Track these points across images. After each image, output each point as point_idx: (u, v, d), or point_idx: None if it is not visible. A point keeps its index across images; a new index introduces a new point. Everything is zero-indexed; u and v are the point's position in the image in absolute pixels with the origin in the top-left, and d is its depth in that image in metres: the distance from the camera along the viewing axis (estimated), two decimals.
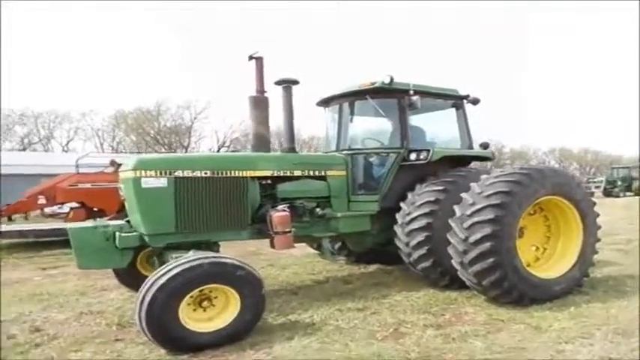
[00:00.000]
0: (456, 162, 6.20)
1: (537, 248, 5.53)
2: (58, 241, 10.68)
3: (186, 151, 43.93)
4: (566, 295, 5.11)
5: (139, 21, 67.40)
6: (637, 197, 27.56)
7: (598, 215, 5.50)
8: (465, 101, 6.54)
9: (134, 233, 4.64)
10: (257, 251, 9.11)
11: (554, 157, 71.65)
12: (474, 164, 6.65)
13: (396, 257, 7.21)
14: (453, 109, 6.55)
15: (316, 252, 7.93)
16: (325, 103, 6.62)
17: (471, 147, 6.52)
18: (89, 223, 4.87)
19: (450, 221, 5.08)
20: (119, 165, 16.61)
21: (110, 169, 16.75)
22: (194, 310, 4.04)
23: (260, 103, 5.46)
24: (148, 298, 3.72)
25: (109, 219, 13.63)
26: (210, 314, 4.14)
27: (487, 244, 4.66)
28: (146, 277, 5.71)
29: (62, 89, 66.71)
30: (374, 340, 4.11)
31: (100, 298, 5.74)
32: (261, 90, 5.46)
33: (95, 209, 15.32)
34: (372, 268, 7.17)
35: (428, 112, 6.47)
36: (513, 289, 4.74)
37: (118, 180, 16.50)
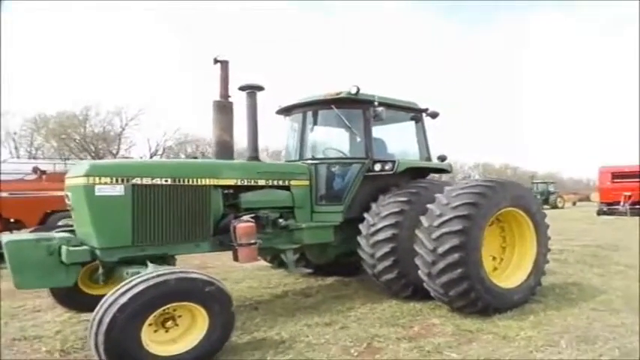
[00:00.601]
0: (416, 173, 6.29)
1: (494, 258, 5.70)
2: None
3: (115, 159, 41.39)
4: (523, 303, 5.30)
5: (63, 20, 62.85)
6: (553, 210, 30.06)
7: (548, 226, 5.80)
8: (424, 114, 6.68)
9: (83, 247, 4.13)
10: (203, 264, 8.64)
11: (479, 171, 76.43)
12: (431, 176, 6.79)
13: (354, 268, 7.22)
14: (412, 122, 6.66)
15: (269, 264, 7.69)
16: (286, 111, 6.46)
17: (429, 159, 6.65)
18: (29, 235, 4.28)
19: (417, 232, 5.10)
20: (43, 172, 15.25)
21: (32, 177, 15.30)
22: (155, 331, 3.67)
23: (224, 109, 5.18)
24: (106, 320, 3.30)
25: (32, 231, 12.40)
26: (174, 335, 3.78)
27: (455, 255, 4.71)
28: (88, 295, 5.30)
29: None
30: (350, 356, 3.98)
31: (34, 321, 5.06)
32: (225, 95, 5.19)
33: (12, 220, 13.86)
34: (330, 279, 7.04)
35: (388, 124, 6.52)
36: (479, 299, 4.82)
37: (40, 188, 14.93)
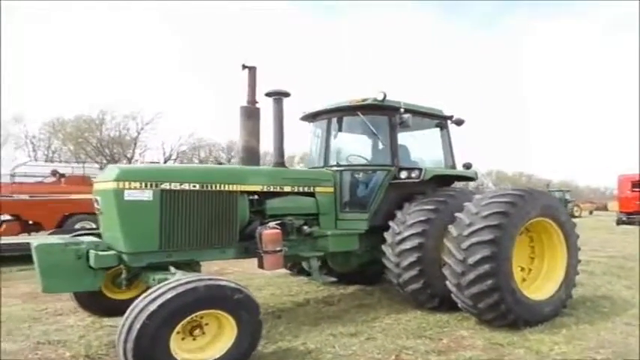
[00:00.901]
0: (440, 181, 6.18)
1: (523, 269, 5.55)
2: None
3: (130, 163, 41.82)
4: (554, 316, 5.15)
5: (80, 27, 63.87)
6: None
7: (578, 237, 5.64)
8: (449, 121, 6.58)
9: (111, 252, 4.10)
10: (222, 270, 8.61)
11: (492, 179, 75.68)
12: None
13: (376, 277, 7.12)
14: (437, 129, 6.56)
15: (288, 272, 7.63)
16: (311, 117, 6.41)
17: (454, 166, 6.54)
18: (57, 239, 4.26)
19: (445, 241, 4.99)
20: (62, 175, 15.45)
21: (51, 180, 15.50)
22: (182, 339, 3.61)
23: (251, 114, 5.16)
24: (136, 327, 3.25)
25: (50, 234, 12.52)
26: (201, 343, 3.71)
27: (486, 266, 4.59)
28: (110, 300, 5.27)
29: None
30: None
31: (57, 325, 5.05)
32: (252, 100, 5.17)
33: (31, 222, 14.04)
34: (352, 288, 6.93)
35: (412, 130, 6.42)
36: (510, 312, 4.69)
37: (59, 191, 15.11)
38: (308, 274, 7.27)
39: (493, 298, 4.62)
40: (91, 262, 4.01)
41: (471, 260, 4.65)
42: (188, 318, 3.49)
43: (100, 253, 4.02)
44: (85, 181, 16.01)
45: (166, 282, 3.56)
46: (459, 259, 4.74)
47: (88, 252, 4.09)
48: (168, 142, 44.65)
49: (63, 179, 15.07)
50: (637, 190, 21.51)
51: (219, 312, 3.63)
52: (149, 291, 3.50)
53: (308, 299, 6.28)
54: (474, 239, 4.69)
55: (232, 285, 3.69)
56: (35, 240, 4.25)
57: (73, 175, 16.49)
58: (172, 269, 4.69)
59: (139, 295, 5.35)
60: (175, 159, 44.47)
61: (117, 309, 5.30)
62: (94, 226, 14.43)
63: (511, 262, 4.78)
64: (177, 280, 3.54)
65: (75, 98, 65.62)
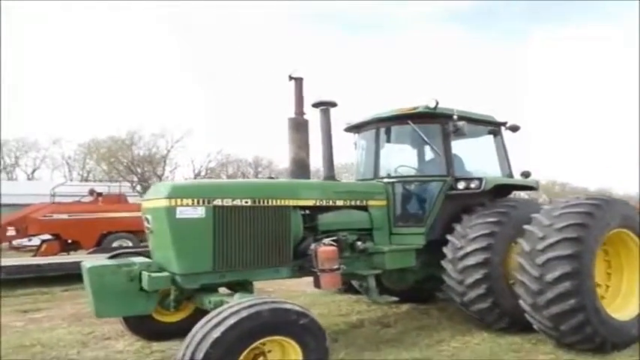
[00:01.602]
0: (497, 191, 5.76)
1: (599, 285, 5.06)
2: (30, 277, 9.48)
3: (160, 180, 42.49)
4: None
5: (109, 50, 65.98)
6: None
7: None
8: (502, 128, 6.19)
9: (164, 273, 3.88)
10: (262, 289, 8.33)
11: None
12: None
13: (430, 295, 6.73)
14: (490, 136, 6.17)
15: (333, 290, 7.29)
16: (357, 128, 6.14)
17: (511, 175, 6.13)
18: (110, 261, 4.08)
19: (517, 257, 4.58)
20: (99, 194, 15.61)
21: (89, 199, 15.68)
22: None
23: (300, 126, 4.95)
24: (199, 357, 2.98)
25: (91, 252, 12.53)
26: None
27: (567, 284, 4.16)
28: (158, 323, 5.05)
29: (30, 116, 64.05)
30: None
31: (106, 350, 4.86)
32: (300, 112, 4.97)
33: (70, 241, 14.20)
34: (405, 307, 6.53)
35: (465, 138, 6.05)
36: (596, 334, 4.23)
37: (96, 210, 15.18)
38: (356, 291, 6.95)
39: (577, 318, 4.17)
40: (144, 284, 3.80)
41: (549, 277, 4.23)
42: (253, 345, 3.21)
43: (153, 274, 3.80)
44: (121, 200, 16.17)
45: (227, 306, 3.29)
46: (535, 276, 4.32)
47: (140, 273, 3.88)
48: (197, 160, 45.25)
49: (100, 198, 15.22)
50: None
51: (284, 338, 3.33)
52: (209, 316, 3.24)
53: (362, 320, 5.92)
54: (550, 254, 4.27)
55: (298, 308, 3.39)
56: (87, 261, 4.07)
57: (110, 194, 16.66)
58: (226, 290, 4.49)
59: (188, 318, 5.25)
60: (204, 176, 44.93)
61: (165, 332, 5.12)
62: (130, 244, 14.54)
63: (594, 279, 4.34)
64: (238, 304, 3.27)
65: (105, 119, 67.53)
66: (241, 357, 3.14)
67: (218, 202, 4.01)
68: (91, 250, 13.07)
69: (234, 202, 4.10)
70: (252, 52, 72.08)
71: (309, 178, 5.05)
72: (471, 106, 5.61)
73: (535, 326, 4.56)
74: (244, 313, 3.15)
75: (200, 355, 2.99)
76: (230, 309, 3.22)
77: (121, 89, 64.65)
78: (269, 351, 3.41)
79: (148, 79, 67.50)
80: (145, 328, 5.01)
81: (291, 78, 4.94)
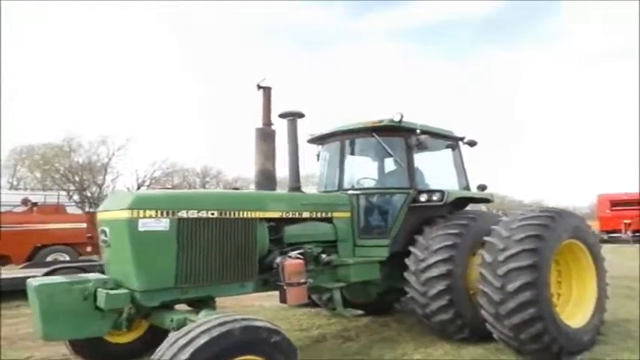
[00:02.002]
0: (456, 203, 5.92)
1: (552, 295, 5.30)
2: None
3: (100, 190, 40.24)
4: (593, 344, 4.89)
5: (49, 56, 62.06)
6: None
7: (604, 259, 5.45)
8: (460, 142, 6.40)
9: (123, 290, 3.59)
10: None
11: None
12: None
13: (389, 307, 6.77)
14: (449, 150, 6.36)
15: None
16: (321, 139, 6.11)
17: (468, 188, 6.32)
18: (61, 278, 3.72)
19: (479, 268, 4.69)
20: (34, 204, 14.47)
21: (22, 209, 14.49)
22: None
23: (266, 136, 4.83)
24: None
25: (24, 267, 11.53)
26: None
27: (527, 293, 4.31)
28: (109, 344, 4.67)
29: None
30: None
31: None
32: (267, 122, 4.85)
33: None
34: (364, 320, 6.50)
35: (424, 152, 6.19)
36: (553, 342, 4.40)
37: (30, 221, 13.99)
38: (315, 304, 6.85)
39: (536, 327, 4.32)
40: (101, 303, 3.49)
41: (510, 287, 4.36)
42: None
43: (111, 292, 3.50)
44: (59, 210, 15.10)
45: (195, 324, 3.09)
46: (497, 287, 4.44)
47: (95, 291, 3.57)
48: (141, 168, 43.36)
49: (35, 208, 14.10)
50: (616, 209, 22.06)
51: (256, 358, 3.17)
52: (175, 335, 3.02)
53: (324, 334, 5.82)
54: (511, 265, 4.42)
55: (269, 325, 3.25)
56: (34, 279, 3.69)
57: (46, 203, 15.51)
58: (185, 307, 4.24)
59: (140, 338, 4.92)
60: (149, 185, 43.13)
61: (116, 354, 4.75)
62: (67, 257, 13.55)
63: (550, 289, 4.53)
64: (207, 322, 3.08)
65: (39, 124, 63.12)
66: None
67: (183, 213, 3.79)
68: (22, 265, 12.04)
69: (200, 214, 3.90)
70: (204, 60, 70.62)
71: (275, 189, 4.93)
72: (420, 120, 5.71)
73: (495, 335, 4.68)
74: (215, 332, 2.97)
75: None
76: (199, 328, 3.02)
77: (60, 93, 60.72)
78: None
79: (88, 82, 63.89)
80: (93, 350, 4.60)
81: (259, 87, 4.83)
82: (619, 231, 20.34)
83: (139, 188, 40.44)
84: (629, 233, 20.29)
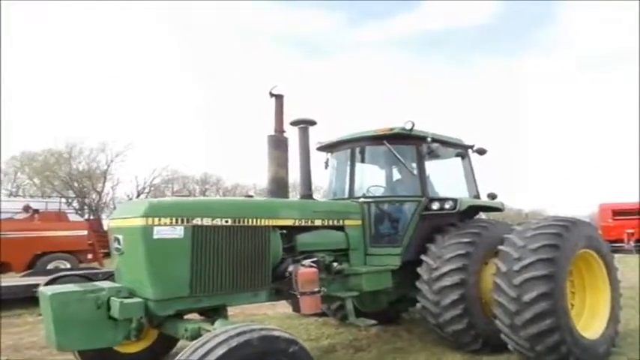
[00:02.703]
0: (466, 212, 5.88)
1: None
2: None
3: (100, 197, 40.11)
4: (608, 356, 4.83)
5: (48, 58, 62.18)
6: None
7: (617, 269, 5.41)
8: (470, 151, 6.38)
9: (138, 299, 3.54)
10: None
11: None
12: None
13: (397, 316, 6.70)
14: (458, 159, 6.33)
15: (295, 313, 7.06)
16: (330, 147, 6.09)
17: (478, 196, 6.28)
18: (74, 287, 3.65)
19: (494, 277, 4.64)
20: (35, 211, 14.39)
21: (23, 216, 14.41)
22: None
23: (279, 144, 4.79)
24: None
25: (25, 275, 11.42)
26: None
27: (544, 304, 4.26)
28: (118, 354, 4.58)
29: None
30: None
31: None
32: (280, 130, 4.82)
33: None
34: (373, 329, 6.42)
35: (434, 160, 6.16)
36: (570, 354, 4.34)
37: (31, 228, 13.89)
38: (322, 314, 6.77)
39: (553, 338, 4.26)
40: (115, 313, 3.43)
41: (526, 297, 4.31)
42: None
43: (125, 301, 3.44)
44: (61, 217, 15.04)
45: (212, 334, 3.04)
46: (513, 297, 4.38)
47: (108, 300, 3.51)
48: (141, 175, 43.26)
49: (36, 215, 14.02)
50: (618, 218, 22.03)
51: None
52: (194, 346, 2.96)
53: (333, 344, 5.74)
54: (527, 274, 4.37)
55: (287, 336, 3.21)
56: (46, 287, 3.63)
57: (47, 210, 15.43)
58: (196, 316, 4.18)
59: (149, 347, 4.85)
60: (148, 192, 43.01)
61: None
62: (68, 265, 13.45)
63: (567, 299, 4.47)
64: (225, 332, 3.02)
65: (39, 131, 63.01)
66: None
67: (197, 221, 3.75)
68: (23, 272, 11.94)
69: (214, 222, 3.85)
70: (204, 66, 70.69)
71: (287, 196, 4.89)
72: (421, 128, 5.69)
73: (510, 347, 4.61)
74: (234, 342, 2.91)
75: None
76: (217, 338, 2.96)
77: (59, 98, 60.70)
78: None
79: (87, 87, 63.84)
80: (101, 359, 4.54)
81: (272, 95, 4.80)
82: (621, 241, 20.30)
83: (138, 195, 40.34)
84: (632, 243, 20.24)
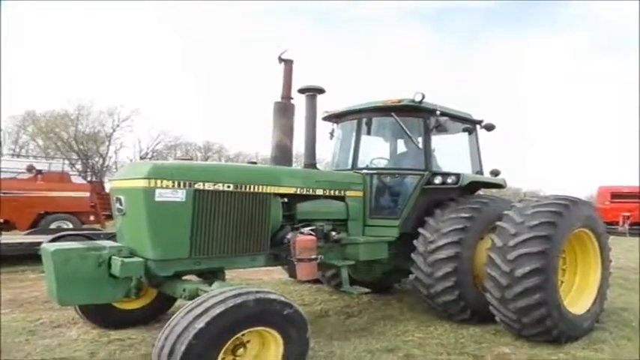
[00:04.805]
0: (468, 187, 5.90)
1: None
2: None
3: (103, 161, 40.23)
4: (590, 331, 4.97)
5: (61, 21, 60.86)
6: None
7: (610, 249, 5.49)
8: (478, 126, 6.35)
9: (138, 259, 3.62)
10: None
11: None
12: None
13: (390, 286, 6.86)
14: (465, 134, 6.30)
15: (291, 279, 7.22)
16: (337, 117, 6.07)
17: (481, 173, 6.30)
18: (76, 244, 3.75)
19: (488, 252, 4.72)
20: (39, 171, 14.48)
21: (26, 176, 14.51)
22: (223, 359, 3.17)
23: (285, 111, 4.76)
24: (180, 349, 2.81)
25: (28, 233, 11.60)
26: None
27: (535, 279, 4.35)
28: (116, 310, 4.75)
29: None
30: None
31: (58, 339, 4.49)
32: (287, 96, 4.77)
33: (1, 221, 13.07)
34: (366, 298, 6.58)
35: (440, 134, 6.12)
36: (554, 327, 4.47)
37: (34, 188, 14.00)
38: (316, 280, 6.91)
39: (540, 312, 4.38)
40: (115, 271, 3.52)
41: (518, 272, 4.40)
42: (236, 336, 3.08)
43: (126, 260, 3.53)
44: (64, 179, 15.13)
45: (209, 295, 3.14)
46: (505, 271, 4.48)
47: (110, 258, 3.60)
48: (144, 140, 43.29)
49: (40, 175, 14.11)
50: (616, 200, 22.08)
51: (267, 329, 3.23)
52: (190, 305, 3.07)
53: (326, 310, 5.91)
54: (522, 250, 4.44)
55: (282, 299, 3.30)
56: (49, 244, 3.72)
57: (51, 171, 15.51)
58: (195, 278, 4.29)
59: (148, 306, 5.00)
60: (151, 157, 43.09)
61: (124, 320, 4.84)
62: (71, 226, 13.64)
63: (557, 275, 4.57)
64: (222, 293, 3.12)
65: (48, 93, 62.58)
66: (224, 349, 3.01)
67: (200, 185, 3.80)
68: (27, 231, 12.13)
69: (216, 187, 3.90)
70: (216, 37, 69.46)
71: (291, 164, 4.91)
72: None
73: (498, 318, 4.75)
74: (230, 303, 3.02)
75: (182, 347, 2.83)
76: (214, 298, 3.07)
77: (68, 61, 59.78)
78: (247, 341, 3.30)
79: (94, 52, 62.90)
80: (101, 315, 4.71)
81: (280, 60, 4.72)
82: (617, 223, 20.42)
83: (142, 159, 40.42)
84: (626, 226, 20.36)
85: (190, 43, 65.23)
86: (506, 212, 4.88)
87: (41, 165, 15.84)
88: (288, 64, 4.70)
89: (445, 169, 5.76)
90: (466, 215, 5.15)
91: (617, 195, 22.35)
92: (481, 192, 6.59)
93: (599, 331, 5.09)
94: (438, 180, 5.38)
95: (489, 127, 6.23)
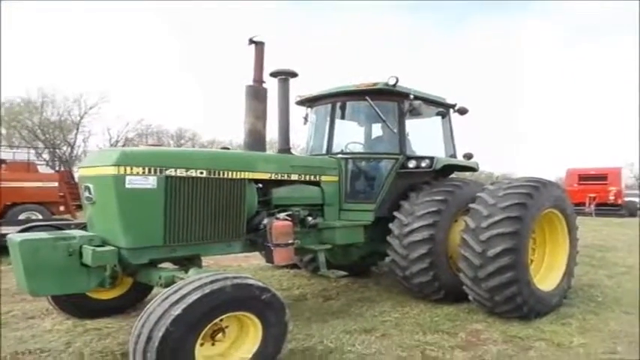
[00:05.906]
0: (441, 171, 6.00)
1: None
2: None
3: (72, 149, 38.98)
4: (558, 307, 5.18)
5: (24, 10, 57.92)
6: None
7: (578, 228, 5.69)
8: (451, 110, 6.43)
9: (110, 247, 3.55)
10: None
11: None
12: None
13: (367, 269, 6.95)
14: (438, 117, 6.37)
15: (268, 264, 7.23)
16: (310, 101, 6.03)
17: (454, 156, 6.40)
18: (45, 234, 3.63)
19: (462, 233, 4.83)
20: (2, 161, 13.94)
21: None
22: (201, 344, 3.17)
23: (257, 95, 4.68)
24: (158, 335, 2.79)
25: None
26: (221, 349, 3.32)
27: (506, 258, 4.49)
28: (91, 300, 4.68)
29: None
30: None
31: (31, 330, 4.39)
32: (259, 80, 4.68)
33: None
34: (343, 281, 6.64)
35: (418, 118, 6.18)
36: (525, 304, 4.63)
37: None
38: (294, 265, 6.94)
39: (511, 290, 4.53)
40: (87, 260, 3.44)
41: (490, 252, 4.53)
42: (214, 322, 3.07)
43: (98, 249, 3.46)
44: (30, 168, 14.62)
45: (186, 281, 3.12)
46: (478, 252, 4.60)
47: (81, 248, 3.52)
48: (114, 128, 42.07)
49: (4, 165, 13.59)
50: (583, 183, 22.90)
51: (246, 314, 3.24)
52: (167, 292, 3.04)
53: (304, 293, 5.95)
54: (494, 231, 4.57)
55: (260, 284, 3.31)
56: (15, 235, 3.60)
57: (15, 161, 14.95)
58: (171, 265, 4.25)
59: (124, 295, 4.93)
60: (122, 145, 42.00)
61: (99, 310, 4.77)
62: (40, 216, 13.24)
63: (527, 254, 4.72)
64: (199, 279, 3.10)
65: (6, 81, 59.91)
66: (201, 334, 3.01)
67: (171, 172, 3.73)
68: None
69: (189, 173, 3.84)
70: (187, 20, 67.61)
71: (264, 150, 4.87)
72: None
73: (471, 297, 4.89)
74: (207, 289, 3.00)
75: (159, 333, 2.80)
76: (190, 285, 3.05)
77: (31, 45, 57.27)
78: (226, 326, 3.30)
79: (60, 35, 60.38)
80: (76, 305, 4.61)
81: (251, 42, 4.60)
82: (584, 204, 21.21)
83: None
84: (592, 207, 21.19)
85: (161, 28, 63.46)
86: (479, 194, 4.99)
87: (5, 154, 15.23)
88: (259, 46, 4.61)
89: (419, 153, 5.83)
90: (440, 198, 5.24)
91: (584, 177, 23.17)
92: (454, 175, 6.72)
93: (567, 307, 5.30)
94: (412, 164, 5.44)
95: (462, 111, 6.33)
